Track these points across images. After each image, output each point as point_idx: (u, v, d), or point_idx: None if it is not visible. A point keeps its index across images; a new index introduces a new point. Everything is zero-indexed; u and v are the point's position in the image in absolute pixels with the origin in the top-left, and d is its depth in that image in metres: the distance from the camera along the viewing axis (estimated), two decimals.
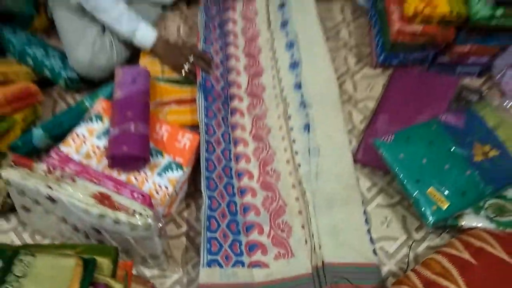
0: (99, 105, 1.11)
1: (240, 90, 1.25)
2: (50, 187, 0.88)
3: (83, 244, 0.96)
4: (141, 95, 1.08)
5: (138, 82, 1.10)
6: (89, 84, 1.26)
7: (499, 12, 1.09)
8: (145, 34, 1.17)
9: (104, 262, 0.78)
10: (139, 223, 0.85)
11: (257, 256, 1.01)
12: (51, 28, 1.38)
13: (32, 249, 0.77)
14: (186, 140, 1.07)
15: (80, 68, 1.20)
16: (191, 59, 1.17)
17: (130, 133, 1.00)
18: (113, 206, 0.88)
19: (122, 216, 0.86)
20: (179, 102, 1.17)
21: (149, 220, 0.86)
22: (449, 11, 1.12)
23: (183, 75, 1.18)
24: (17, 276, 0.71)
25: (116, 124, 1.03)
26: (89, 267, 0.74)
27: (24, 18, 1.32)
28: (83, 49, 1.17)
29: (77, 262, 0.73)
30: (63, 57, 1.26)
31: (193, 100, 1.14)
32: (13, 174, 0.91)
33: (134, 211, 0.87)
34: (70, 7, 1.19)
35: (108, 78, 1.21)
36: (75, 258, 0.73)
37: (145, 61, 1.22)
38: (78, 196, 0.88)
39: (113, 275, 0.79)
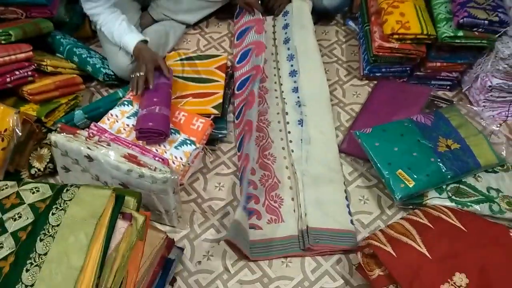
0: (130, 93, 1.36)
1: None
2: (89, 148, 1.11)
3: (115, 187, 1.13)
4: (165, 86, 1.33)
5: (163, 77, 1.34)
6: (122, 81, 1.52)
7: (461, 33, 1.34)
8: (129, 44, 1.37)
9: (130, 200, 0.99)
10: (160, 176, 1.06)
11: (253, 220, 1.21)
12: (91, 37, 1.67)
13: (78, 184, 0.98)
14: (199, 123, 1.30)
15: (120, 71, 1.47)
16: (143, 70, 1.31)
17: (155, 113, 1.24)
18: (139, 163, 1.10)
19: (146, 171, 1.08)
20: (195, 95, 1.42)
21: (167, 175, 1.07)
22: (420, 31, 1.37)
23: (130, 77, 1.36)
24: (65, 200, 0.93)
25: (144, 107, 1.27)
26: (119, 199, 0.95)
27: (72, 26, 1.61)
28: (122, 56, 1.44)
29: (111, 192, 0.94)
30: (102, 58, 1.53)
31: (206, 94, 1.39)
32: (60, 138, 1.14)
33: (155, 168, 1.09)
34: None
35: None
36: (110, 190, 0.94)
37: (169, 62, 1.48)
38: (112, 154, 1.10)
39: (137, 211, 1.00)
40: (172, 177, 1.08)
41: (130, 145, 1.17)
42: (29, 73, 1.31)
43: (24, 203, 0.94)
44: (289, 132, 1.39)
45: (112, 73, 1.49)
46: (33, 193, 0.95)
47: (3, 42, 1.29)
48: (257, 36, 1.56)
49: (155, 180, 1.07)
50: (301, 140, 1.36)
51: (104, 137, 1.19)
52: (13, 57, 1.28)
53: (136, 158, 1.11)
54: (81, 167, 1.17)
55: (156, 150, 1.24)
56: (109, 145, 1.14)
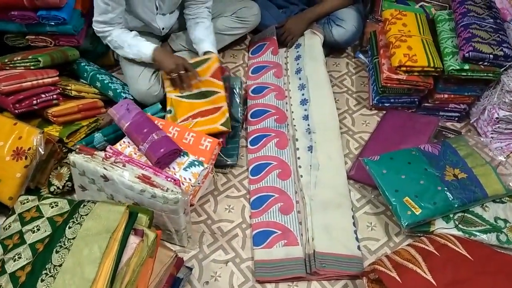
0: None
1: None
2: (105, 169, 1.17)
3: (129, 204, 1.16)
4: (140, 114, 1.36)
5: (131, 108, 1.36)
6: (141, 105, 1.59)
7: (467, 66, 1.38)
8: (146, 52, 1.48)
9: (143, 217, 1.03)
10: (171, 196, 1.10)
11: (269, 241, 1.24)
12: (114, 65, 1.77)
13: (94, 200, 1.03)
14: (208, 143, 1.34)
15: (139, 96, 1.55)
16: (180, 68, 1.44)
17: (157, 140, 1.28)
18: (152, 184, 1.14)
19: (158, 191, 1.12)
20: (203, 113, 1.46)
21: (178, 196, 1.11)
22: (427, 64, 1.41)
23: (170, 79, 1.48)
24: (81, 215, 0.98)
25: (142, 142, 1.30)
26: (133, 215, 1.00)
27: (96, 54, 1.71)
28: (142, 82, 1.53)
29: (126, 209, 0.98)
30: (123, 84, 1.61)
31: (211, 111, 1.45)
32: (78, 158, 1.19)
33: (167, 188, 1.13)
34: None
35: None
36: (124, 206, 0.99)
37: (167, 84, 1.54)
38: (126, 175, 1.15)
39: (148, 228, 1.04)
40: (183, 198, 1.12)
41: (144, 167, 1.21)
42: (54, 96, 1.39)
43: (43, 216, 0.99)
44: (299, 158, 1.43)
45: (132, 97, 1.57)
46: (52, 207, 1.01)
47: (32, 67, 1.38)
48: (276, 80, 1.66)
49: (167, 201, 1.11)
50: (310, 166, 1.40)
51: (120, 159, 1.24)
52: (40, 81, 1.37)
53: (149, 179, 1.15)
54: (97, 186, 1.22)
55: (166, 173, 1.28)
56: (124, 166, 1.19)
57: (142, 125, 1.33)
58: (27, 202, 1.02)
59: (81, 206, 1.00)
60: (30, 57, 1.39)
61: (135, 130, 1.32)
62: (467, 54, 1.34)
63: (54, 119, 1.38)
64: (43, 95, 1.37)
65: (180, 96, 1.50)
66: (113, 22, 1.47)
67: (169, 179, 1.19)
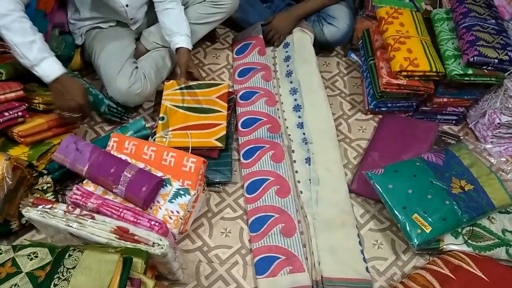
0: (111, 140, 1.23)
1: None
2: (70, 226, 0.95)
3: (120, 246, 0.99)
4: (96, 152, 1.16)
5: (80, 146, 1.17)
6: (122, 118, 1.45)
7: (470, 71, 1.32)
8: (52, 67, 1.19)
9: (138, 262, 0.91)
10: (157, 251, 0.93)
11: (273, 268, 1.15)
12: (84, 69, 1.59)
13: (79, 247, 0.90)
14: (191, 164, 1.17)
15: (120, 97, 1.39)
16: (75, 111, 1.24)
17: (132, 178, 1.09)
18: (132, 238, 0.95)
19: (141, 248, 0.93)
20: (196, 127, 1.36)
21: (165, 249, 0.93)
22: (429, 69, 1.34)
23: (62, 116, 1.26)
24: (67, 268, 0.84)
25: (114, 185, 1.10)
26: (127, 263, 0.87)
27: (64, 58, 1.52)
28: (122, 80, 1.37)
29: (119, 257, 0.86)
30: (102, 89, 1.45)
31: (208, 125, 1.36)
32: (33, 214, 0.97)
33: (153, 243, 0.94)
34: (110, 44, 1.41)
35: (143, 104, 1.44)
36: (118, 254, 0.86)
37: (168, 92, 1.42)
38: (99, 232, 0.94)
39: (145, 273, 0.92)
40: (171, 250, 0.96)
41: (120, 209, 1.04)
42: (20, 113, 1.21)
43: (22, 271, 0.85)
44: (297, 172, 1.34)
45: (115, 106, 1.41)
46: (31, 259, 0.87)
47: None
48: (265, 84, 1.54)
49: (153, 256, 0.95)
50: (309, 180, 1.31)
51: (91, 203, 1.05)
52: (2, 97, 1.18)
53: (127, 232, 0.96)
54: (66, 236, 1.05)
55: (150, 208, 1.13)
56: (93, 218, 0.98)
57: (106, 165, 1.13)
58: (0, 254, 0.87)
59: (66, 256, 0.86)
60: None
61: (98, 173, 1.13)
62: (472, 58, 1.28)
63: (21, 139, 1.21)
64: (6, 113, 1.19)
65: (176, 106, 1.38)
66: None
67: (152, 222, 1.02)
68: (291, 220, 1.24)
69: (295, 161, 1.36)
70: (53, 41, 1.45)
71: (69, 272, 0.83)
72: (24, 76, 1.26)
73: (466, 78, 1.33)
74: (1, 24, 1.12)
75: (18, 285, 0.82)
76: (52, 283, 0.81)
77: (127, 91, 1.38)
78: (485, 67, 1.30)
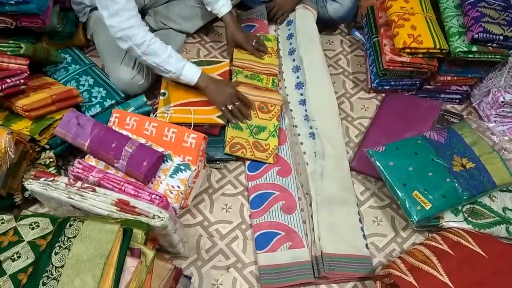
0: (113, 116, 1.25)
1: None
2: (72, 198, 0.96)
3: (121, 218, 1.01)
4: (97, 127, 1.16)
5: (82, 121, 1.17)
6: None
7: (474, 48, 1.30)
8: (191, 71, 1.29)
9: (138, 233, 0.92)
10: (158, 223, 0.94)
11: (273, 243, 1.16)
12: (86, 46, 1.59)
13: (80, 217, 0.91)
14: (192, 139, 1.18)
15: (121, 86, 1.39)
16: (236, 101, 1.31)
17: (133, 153, 1.10)
18: (132, 211, 0.96)
19: (142, 219, 0.95)
20: (198, 103, 1.35)
21: (165, 222, 0.94)
22: (433, 46, 1.32)
23: (224, 113, 1.32)
24: (68, 237, 0.85)
25: (115, 159, 1.11)
26: (127, 233, 0.88)
27: (65, 35, 1.52)
28: (124, 70, 1.36)
29: (119, 227, 0.87)
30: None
31: (210, 102, 1.35)
32: (36, 186, 1.00)
33: (153, 215, 0.96)
34: None
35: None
36: (118, 225, 0.87)
37: None
38: (100, 205, 0.96)
39: (145, 245, 0.93)
40: (171, 222, 0.97)
41: (121, 183, 1.05)
42: (22, 81, 1.21)
43: (23, 240, 0.86)
44: (302, 143, 1.33)
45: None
46: (33, 228, 0.88)
47: (9, 53, 1.20)
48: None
49: (153, 228, 0.96)
50: (315, 153, 1.30)
51: (92, 177, 1.06)
52: (5, 65, 1.18)
53: (128, 205, 0.97)
54: (69, 208, 1.06)
55: (151, 183, 1.14)
56: (94, 190, 0.99)
57: (107, 140, 1.13)
58: (3, 223, 0.88)
59: (67, 225, 0.87)
60: (10, 41, 1.21)
61: (100, 147, 1.13)
62: (477, 35, 1.26)
63: (26, 113, 1.21)
64: (8, 80, 1.18)
65: (177, 82, 1.37)
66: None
67: (153, 195, 1.03)
68: (291, 197, 1.24)
69: (299, 134, 1.36)
70: (55, 17, 1.44)
71: (70, 241, 0.84)
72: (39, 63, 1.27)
73: (470, 56, 1.31)
74: (141, 52, 1.23)
75: (20, 253, 0.84)
76: (53, 251, 0.82)
77: (129, 82, 1.37)
78: (489, 44, 1.28)
